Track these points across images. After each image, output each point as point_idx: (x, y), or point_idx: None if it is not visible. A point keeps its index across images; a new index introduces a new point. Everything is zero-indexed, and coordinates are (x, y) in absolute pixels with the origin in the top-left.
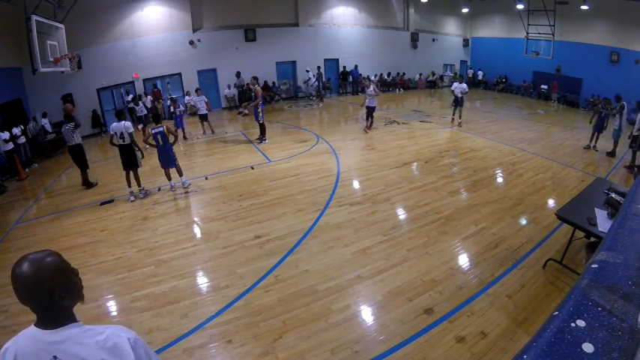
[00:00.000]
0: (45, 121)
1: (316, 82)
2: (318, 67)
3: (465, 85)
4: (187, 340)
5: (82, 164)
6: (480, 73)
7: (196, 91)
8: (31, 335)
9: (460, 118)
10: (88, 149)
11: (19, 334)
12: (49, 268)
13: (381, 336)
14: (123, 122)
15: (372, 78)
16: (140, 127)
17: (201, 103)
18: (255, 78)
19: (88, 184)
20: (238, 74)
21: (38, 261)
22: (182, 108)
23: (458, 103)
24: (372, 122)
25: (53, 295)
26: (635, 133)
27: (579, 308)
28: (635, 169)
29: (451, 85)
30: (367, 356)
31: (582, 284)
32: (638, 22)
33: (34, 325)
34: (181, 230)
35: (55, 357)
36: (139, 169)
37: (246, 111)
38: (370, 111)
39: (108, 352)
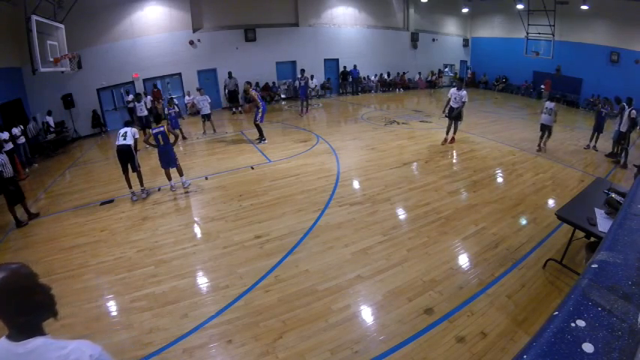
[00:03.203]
0: (49, 119)
1: (299, 86)
2: (302, 71)
3: (464, 93)
4: (187, 340)
5: (20, 196)
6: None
7: (199, 90)
8: (2, 347)
9: (454, 133)
10: (88, 149)
11: None
12: (2, 289)
13: (381, 336)
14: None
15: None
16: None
17: (204, 103)
18: (249, 83)
19: (29, 214)
20: (230, 74)
21: None
22: (176, 109)
23: (454, 116)
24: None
25: (5, 314)
26: (621, 129)
27: (579, 308)
28: (636, 168)
29: (451, 86)
30: (367, 356)
31: (582, 284)
32: (638, 22)
33: (5, 336)
34: (181, 230)
35: None
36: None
37: (246, 108)
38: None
39: None
